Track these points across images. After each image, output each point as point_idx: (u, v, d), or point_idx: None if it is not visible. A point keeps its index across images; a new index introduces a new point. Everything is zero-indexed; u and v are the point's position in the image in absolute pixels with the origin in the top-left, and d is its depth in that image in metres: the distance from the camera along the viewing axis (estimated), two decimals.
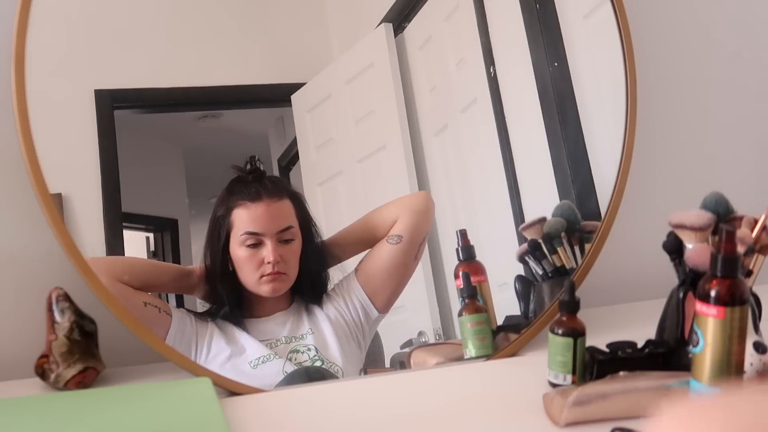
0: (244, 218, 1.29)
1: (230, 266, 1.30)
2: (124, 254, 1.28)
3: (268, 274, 1.28)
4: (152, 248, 1.33)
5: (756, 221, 1.16)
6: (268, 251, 1.28)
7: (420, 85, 1.44)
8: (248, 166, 1.31)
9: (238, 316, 1.30)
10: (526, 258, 1.40)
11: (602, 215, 1.41)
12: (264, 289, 1.29)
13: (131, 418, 1.08)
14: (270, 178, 1.32)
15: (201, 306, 1.31)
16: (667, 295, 1.21)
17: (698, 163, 1.62)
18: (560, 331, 1.16)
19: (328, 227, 1.41)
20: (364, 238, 1.36)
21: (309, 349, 1.29)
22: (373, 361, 1.34)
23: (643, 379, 1.09)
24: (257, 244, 1.28)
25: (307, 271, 1.32)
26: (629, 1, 1.43)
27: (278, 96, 1.40)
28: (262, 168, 1.32)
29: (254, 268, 1.28)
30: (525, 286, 1.40)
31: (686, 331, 1.16)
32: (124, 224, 1.30)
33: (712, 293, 1.00)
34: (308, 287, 1.33)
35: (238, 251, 1.28)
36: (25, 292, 1.27)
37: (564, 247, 1.40)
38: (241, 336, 1.28)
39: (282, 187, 1.32)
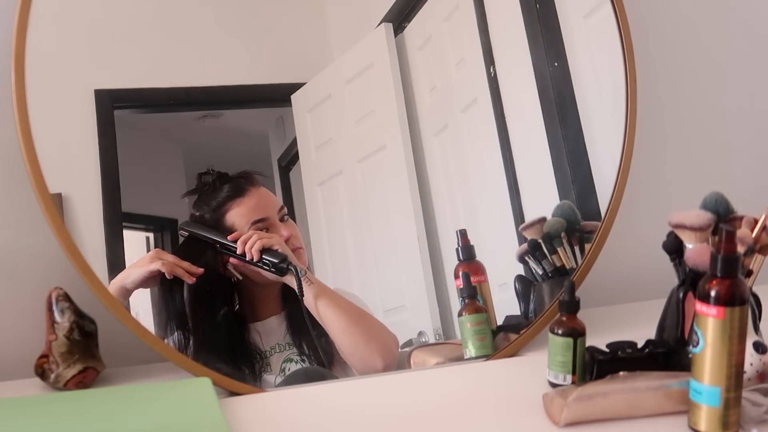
0: (244, 213, 1.30)
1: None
2: (124, 254, 1.28)
3: (292, 251, 1.30)
4: (152, 248, 1.33)
5: (756, 221, 1.16)
6: (279, 232, 1.30)
7: (420, 85, 1.44)
8: (209, 176, 1.32)
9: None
10: (526, 258, 1.40)
11: (602, 215, 1.41)
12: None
13: (131, 418, 1.08)
14: (236, 175, 1.33)
15: None
16: (667, 295, 1.21)
17: (698, 163, 1.62)
18: (560, 331, 1.16)
19: (328, 227, 1.41)
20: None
21: (303, 360, 1.29)
22: None
23: (643, 379, 1.09)
24: (267, 230, 1.30)
25: None
26: (629, 1, 1.43)
27: (278, 96, 1.40)
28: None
29: None
30: (525, 286, 1.40)
31: (686, 331, 1.16)
32: (124, 224, 1.29)
33: (712, 293, 1.00)
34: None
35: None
36: (25, 292, 1.27)
37: (564, 247, 1.40)
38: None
39: (252, 178, 1.33)
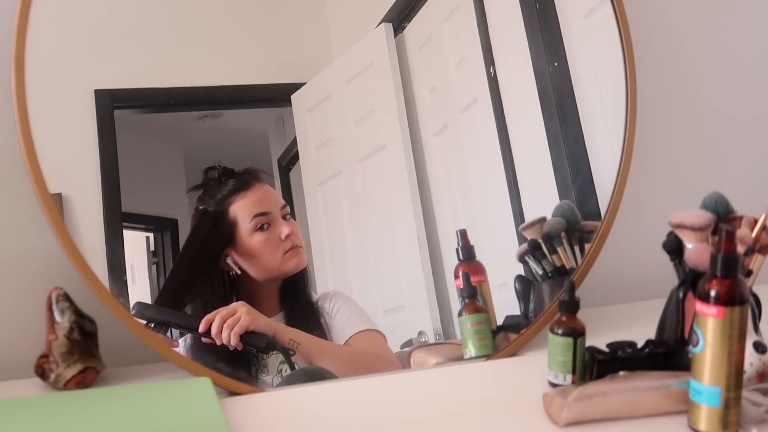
0: (247, 206, 1.31)
1: (226, 267, 1.30)
2: (124, 254, 1.28)
3: (289, 249, 1.31)
4: (152, 248, 1.33)
5: (756, 221, 1.16)
6: (280, 228, 1.31)
7: (420, 85, 1.44)
8: (215, 171, 1.32)
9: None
10: (526, 258, 1.40)
11: (602, 215, 1.41)
12: (291, 265, 1.31)
13: (131, 418, 1.08)
14: (242, 171, 1.33)
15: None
16: (667, 295, 1.21)
17: (698, 163, 1.62)
18: (560, 331, 1.16)
19: (328, 227, 1.41)
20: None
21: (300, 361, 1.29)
22: None
23: (643, 379, 1.09)
24: (268, 225, 1.30)
25: None
26: (629, 1, 1.43)
27: (278, 96, 1.40)
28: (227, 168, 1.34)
29: (274, 248, 1.31)
30: (525, 286, 1.40)
31: (686, 331, 1.16)
32: (124, 224, 1.30)
33: (712, 293, 1.00)
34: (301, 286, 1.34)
35: (254, 240, 1.30)
36: (25, 292, 1.27)
37: (564, 247, 1.40)
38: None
39: (257, 175, 1.34)
